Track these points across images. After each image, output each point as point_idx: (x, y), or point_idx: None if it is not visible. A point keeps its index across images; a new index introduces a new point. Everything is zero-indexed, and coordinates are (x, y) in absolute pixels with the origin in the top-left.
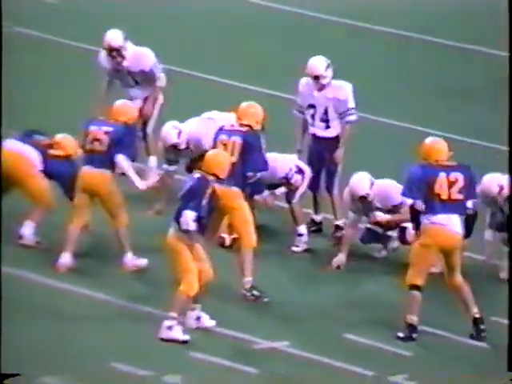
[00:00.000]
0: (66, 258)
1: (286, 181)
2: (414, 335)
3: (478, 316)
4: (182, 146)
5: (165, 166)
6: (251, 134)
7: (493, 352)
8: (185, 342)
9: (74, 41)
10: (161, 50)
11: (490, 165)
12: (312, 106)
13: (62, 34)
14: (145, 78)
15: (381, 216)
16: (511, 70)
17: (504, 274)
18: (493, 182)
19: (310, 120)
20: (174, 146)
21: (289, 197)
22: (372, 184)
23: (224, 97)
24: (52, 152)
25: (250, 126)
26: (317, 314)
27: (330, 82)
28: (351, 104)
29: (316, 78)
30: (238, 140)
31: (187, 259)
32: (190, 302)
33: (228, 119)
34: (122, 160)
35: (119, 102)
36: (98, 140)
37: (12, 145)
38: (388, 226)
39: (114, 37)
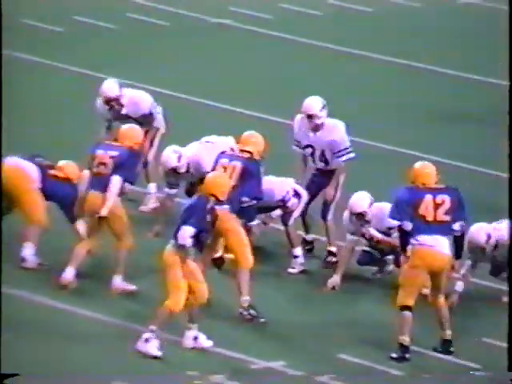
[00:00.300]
0: (69, 273)
1: (282, 204)
2: (407, 355)
3: (448, 338)
4: (182, 170)
5: (166, 190)
6: (252, 162)
7: (489, 374)
8: (156, 357)
9: (74, 66)
10: (161, 75)
11: (491, 191)
12: (310, 146)
13: (62, 59)
14: (146, 121)
15: (374, 233)
16: (511, 98)
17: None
18: (480, 231)
19: (310, 158)
20: (174, 170)
21: (285, 219)
22: (371, 203)
23: (223, 121)
24: (52, 172)
25: (251, 153)
26: (312, 335)
27: (324, 123)
28: (347, 143)
29: (310, 116)
30: (238, 165)
31: (178, 276)
32: (172, 319)
33: (227, 143)
34: (115, 181)
35: (126, 126)
36: (103, 164)
37: (11, 160)
38: (380, 246)
39: (110, 87)
